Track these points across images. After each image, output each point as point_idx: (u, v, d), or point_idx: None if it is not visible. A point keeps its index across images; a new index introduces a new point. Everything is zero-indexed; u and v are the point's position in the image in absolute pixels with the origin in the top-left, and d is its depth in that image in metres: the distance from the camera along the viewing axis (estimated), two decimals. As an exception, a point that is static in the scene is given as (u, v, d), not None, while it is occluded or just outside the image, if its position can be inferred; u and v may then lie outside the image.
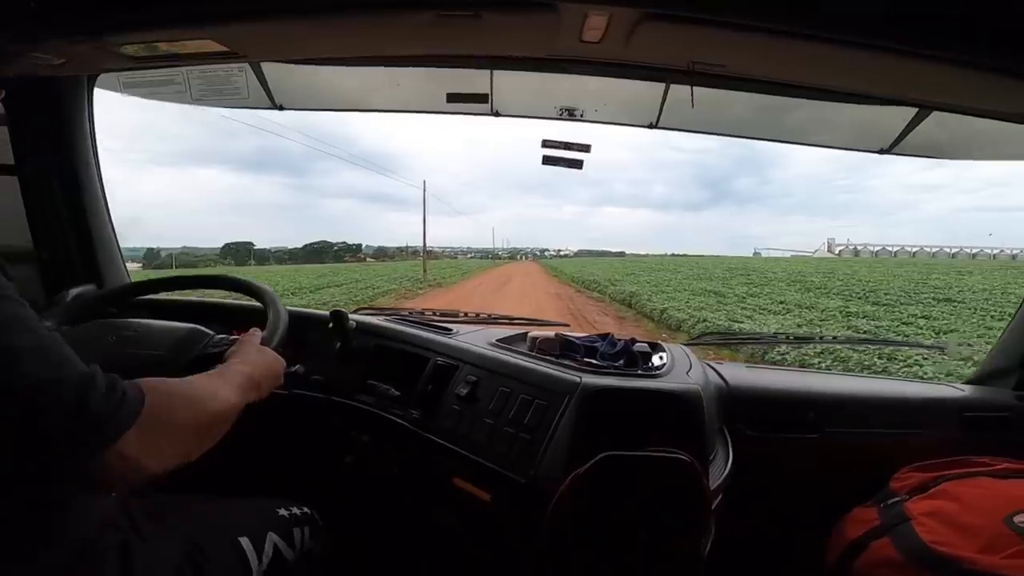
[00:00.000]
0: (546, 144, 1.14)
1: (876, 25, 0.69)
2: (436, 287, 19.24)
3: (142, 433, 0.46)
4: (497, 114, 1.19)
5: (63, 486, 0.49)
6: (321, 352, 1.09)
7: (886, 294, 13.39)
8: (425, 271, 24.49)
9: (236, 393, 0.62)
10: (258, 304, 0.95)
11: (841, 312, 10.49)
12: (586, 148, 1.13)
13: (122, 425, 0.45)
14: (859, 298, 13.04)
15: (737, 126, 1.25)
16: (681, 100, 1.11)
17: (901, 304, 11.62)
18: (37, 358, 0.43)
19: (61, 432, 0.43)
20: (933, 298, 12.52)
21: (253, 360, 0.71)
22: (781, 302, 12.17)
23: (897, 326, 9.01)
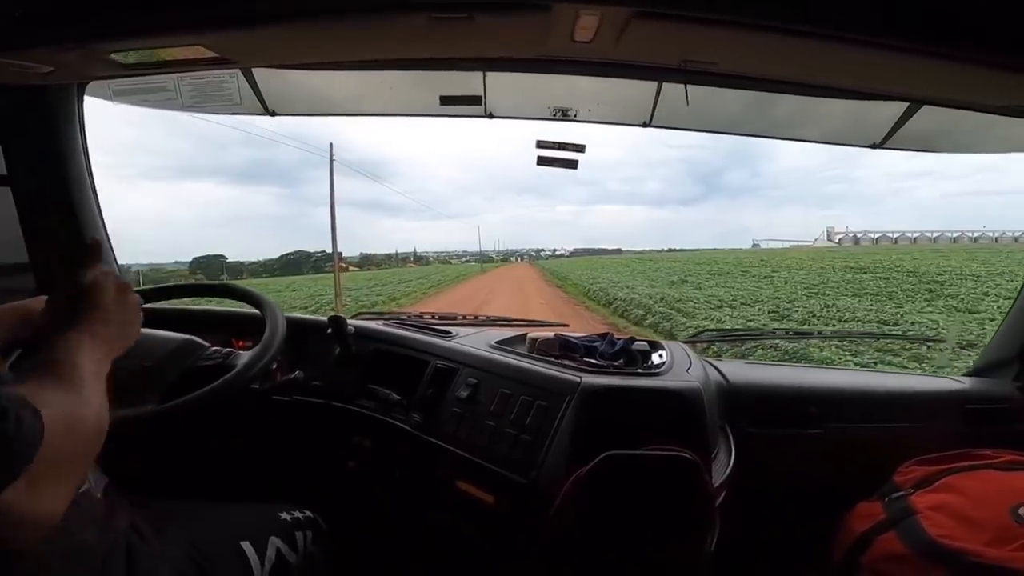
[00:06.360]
0: (540, 145, 1.14)
1: (866, 21, 0.69)
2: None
3: None
4: (491, 116, 1.19)
5: None
6: (321, 358, 1.09)
7: None
8: (338, 295, 14.01)
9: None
10: (256, 312, 0.95)
11: None
12: (580, 148, 1.13)
13: None
14: None
15: (730, 123, 1.25)
16: (674, 98, 1.11)
17: None
18: None
19: None
20: None
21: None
22: None
23: None
